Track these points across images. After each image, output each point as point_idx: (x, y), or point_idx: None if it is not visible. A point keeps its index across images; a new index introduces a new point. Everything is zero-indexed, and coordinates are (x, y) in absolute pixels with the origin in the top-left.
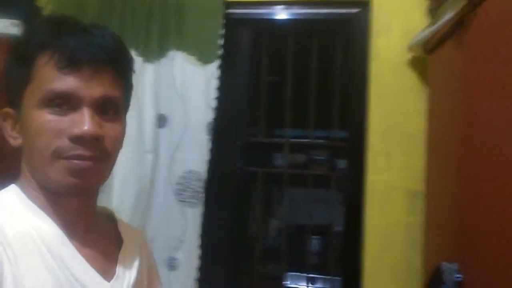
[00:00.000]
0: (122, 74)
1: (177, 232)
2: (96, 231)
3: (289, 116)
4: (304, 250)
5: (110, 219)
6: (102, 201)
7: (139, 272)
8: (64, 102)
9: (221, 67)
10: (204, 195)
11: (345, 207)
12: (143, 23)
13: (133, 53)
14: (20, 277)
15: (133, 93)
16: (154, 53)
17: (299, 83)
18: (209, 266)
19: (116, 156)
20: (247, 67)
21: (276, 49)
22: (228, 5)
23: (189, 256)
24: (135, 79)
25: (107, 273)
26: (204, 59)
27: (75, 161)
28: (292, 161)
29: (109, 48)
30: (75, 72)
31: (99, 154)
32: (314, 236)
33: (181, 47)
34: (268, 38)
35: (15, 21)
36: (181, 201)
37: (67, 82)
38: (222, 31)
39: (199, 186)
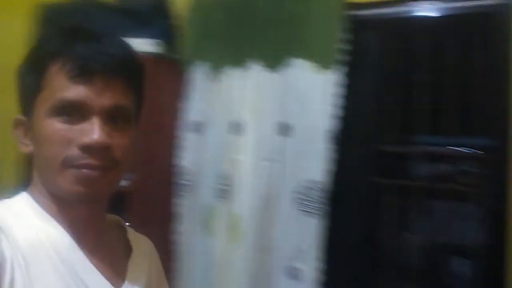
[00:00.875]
0: (133, 83)
1: (296, 242)
2: (105, 239)
3: (423, 122)
4: (442, 271)
5: (119, 227)
6: (221, 208)
7: (149, 280)
8: (74, 111)
9: (345, 72)
10: (326, 206)
11: (487, 224)
12: (263, 32)
13: (253, 63)
14: (30, 284)
15: (252, 101)
16: (274, 61)
17: (434, 85)
18: (336, 282)
19: (126, 165)
20: (376, 70)
21: (407, 50)
22: (353, 7)
23: (309, 268)
24: (256, 89)
25: (117, 280)
26: (325, 65)
27: (84, 170)
28: (427, 171)
29: (120, 57)
30: (85, 81)
31: (108, 163)
32: (452, 255)
33: (301, 54)
34: (398, 38)
35: (154, 40)
36: (302, 210)
37: (77, 91)
38: (345, 35)
39: (320, 196)
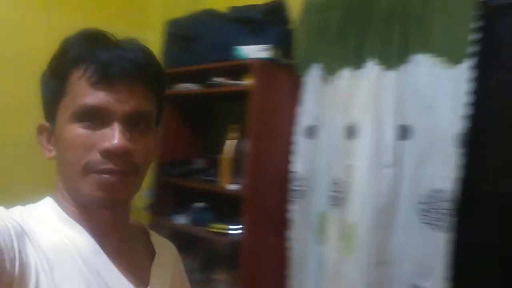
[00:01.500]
0: (154, 88)
1: (420, 257)
2: (129, 243)
3: None
4: None
5: (142, 231)
6: (334, 215)
7: (172, 284)
8: (95, 117)
9: (477, 66)
10: (454, 218)
11: None
12: (382, 29)
13: (370, 62)
14: (54, 287)
15: (368, 103)
16: (395, 59)
17: None
18: None
19: (147, 170)
20: None
21: None
22: None
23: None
24: (372, 89)
25: (140, 284)
26: (454, 60)
27: (105, 175)
28: None
29: (140, 62)
30: (107, 87)
31: (129, 168)
32: None
33: (425, 49)
34: None
35: (266, 46)
36: (425, 223)
37: (98, 97)
38: (477, 24)
39: (447, 207)
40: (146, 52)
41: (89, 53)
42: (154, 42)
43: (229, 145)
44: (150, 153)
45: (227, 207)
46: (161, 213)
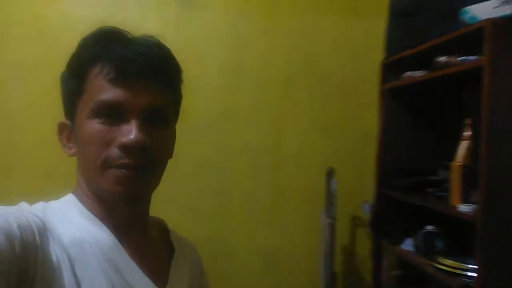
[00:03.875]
0: (170, 83)
1: None
2: (148, 239)
3: None
4: None
5: (162, 228)
6: None
7: (191, 282)
8: (113, 113)
9: None
10: None
11: None
12: None
13: None
14: (77, 284)
15: None
16: None
17: None
18: None
19: (165, 165)
20: None
21: None
22: None
23: None
24: None
25: (160, 280)
26: None
27: (123, 170)
28: None
29: (156, 58)
30: (124, 83)
31: (147, 163)
32: None
33: None
34: None
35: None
36: None
37: (116, 93)
38: None
39: None
40: (161, 48)
41: (105, 51)
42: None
43: (462, 148)
44: (167, 149)
45: (460, 235)
46: (384, 233)
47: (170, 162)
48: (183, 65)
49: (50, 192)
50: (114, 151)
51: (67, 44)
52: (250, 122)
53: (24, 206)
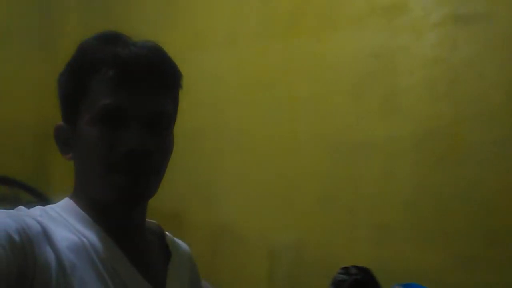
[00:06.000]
0: (172, 88)
1: None
2: (145, 244)
3: None
4: None
5: (158, 232)
6: None
7: (188, 285)
8: (116, 117)
9: None
10: None
11: None
12: None
13: None
14: (71, 287)
15: None
16: None
17: None
18: None
19: (165, 170)
20: None
21: None
22: None
23: None
24: None
25: (158, 284)
26: None
27: (126, 176)
28: None
29: (159, 63)
30: (126, 88)
31: (149, 169)
32: None
33: None
34: None
35: None
36: None
37: (119, 98)
38: None
39: None
40: (162, 52)
41: (108, 55)
42: None
43: None
44: (169, 154)
45: None
46: None
47: None
48: (462, 86)
49: None
50: (117, 157)
51: (347, 74)
52: None
53: (22, 210)
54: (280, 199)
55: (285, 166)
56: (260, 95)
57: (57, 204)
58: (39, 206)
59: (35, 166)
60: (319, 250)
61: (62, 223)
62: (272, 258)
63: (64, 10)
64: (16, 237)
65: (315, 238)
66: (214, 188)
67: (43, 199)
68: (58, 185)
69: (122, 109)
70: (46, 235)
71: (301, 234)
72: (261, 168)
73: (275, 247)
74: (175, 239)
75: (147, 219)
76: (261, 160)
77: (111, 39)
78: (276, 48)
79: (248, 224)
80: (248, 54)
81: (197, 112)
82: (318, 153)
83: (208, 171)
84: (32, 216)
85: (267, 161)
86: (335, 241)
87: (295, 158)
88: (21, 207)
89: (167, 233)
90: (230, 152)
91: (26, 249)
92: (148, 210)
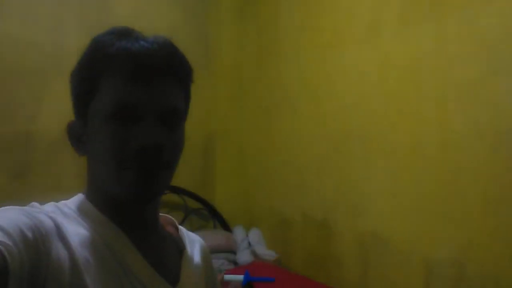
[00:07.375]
0: (184, 84)
1: None
2: (158, 238)
3: None
4: None
5: (172, 227)
6: None
7: (202, 279)
8: (129, 113)
9: None
10: None
11: None
12: None
13: None
14: (86, 284)
15: None
16: None
17: None
18: None
19: (176, 165)
20: None
21: None
22: None
23: None
24: None
25: (171, 278)
26: None
27: (139, 172)
28: None
29: (171, 58)
30: (139, 83)
31: (162, 164)
32: None
33: None
34: None
35: None
36: None
37: (131, 94)
38: None
39: None
40: (174, 48)
41: (121, 50)
42: None
43: None
44: (180, 149)
45: None
46: None
47: None
48: None
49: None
50: (131, 152)
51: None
52: None
53: (35, 206)
54: (437, 206)
55: (440, 167)
56: (406, 87)
57: (70, 200)
58: (52, 202)
59: (202, 177)
60: (486, 267)
61: (75, 219)
62: (428, 273)
63: (219, 23)
64: (29, 233)
65: (480, 252)
66: (362, 195)
67: (207, 206)
68: (222, 194)
69: (135, 104)
70: (59, 231)
71: (462, 247)
72: (413, 171)
73: (432, 261)
74: (189, 232)
75: (161, 214)
76: (413, 161)
77: (123, 34)
78: (425, 31)
79: (400, 234)
80: (393, 43)
81: (341, 114)
82: (480, 149)
83: (355, 177)
84: (45, 212)
85: (419, 162)
86: (505, 255)
87: (452, 157)
88: (34, 203)
89: (180, 226)
90: (379, 155)
91: (39, 245)
92: (304, 221)
